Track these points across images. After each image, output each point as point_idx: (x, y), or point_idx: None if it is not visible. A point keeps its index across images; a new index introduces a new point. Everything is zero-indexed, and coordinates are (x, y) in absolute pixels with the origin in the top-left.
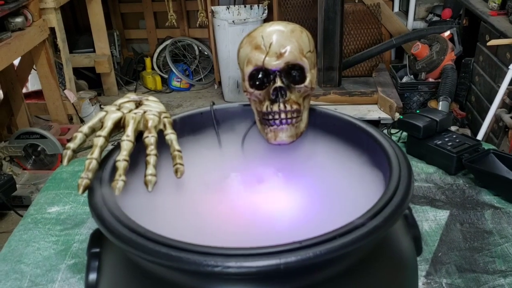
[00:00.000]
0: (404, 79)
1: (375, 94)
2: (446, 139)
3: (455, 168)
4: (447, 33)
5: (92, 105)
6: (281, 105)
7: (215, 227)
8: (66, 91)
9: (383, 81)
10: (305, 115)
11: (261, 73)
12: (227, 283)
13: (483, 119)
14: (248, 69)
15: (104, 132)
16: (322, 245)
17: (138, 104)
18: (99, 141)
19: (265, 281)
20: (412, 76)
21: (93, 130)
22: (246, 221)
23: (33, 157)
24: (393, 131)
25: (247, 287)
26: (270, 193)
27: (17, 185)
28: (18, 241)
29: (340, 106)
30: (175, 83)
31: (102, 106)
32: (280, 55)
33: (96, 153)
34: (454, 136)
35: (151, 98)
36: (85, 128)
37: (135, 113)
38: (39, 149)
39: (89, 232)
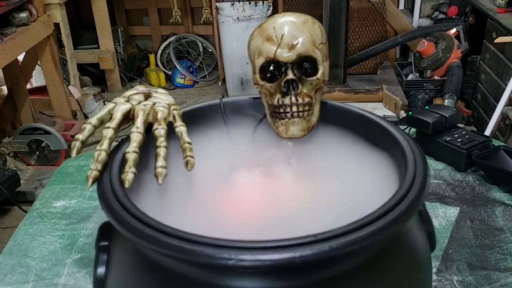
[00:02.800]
0: (410, 77)
1: (380, 91)
2: (456, 135)
3: (464, 165)
4: (453, 31)
5: (96, 101)
6: (293, 98)
7: (226, 220)
8: (70, 87)
9: (388, 78)
10: (316, 108)
11: (272, 65)
12: (240, 277)
13: (489, 117)
14: (259, 61)
15: (113, 123)
16: (337, 238)
17: (147, 96)
18: (108, 132)
19: (279, 275)
20: (417, 73)
21: (102, 122)
22: (258, 214)
23: (37, 152)
24: (401, 127)
25: (260, 280)
26: (281, 186)
27: (21, 181)
28: (23, 235)
29: (345, 103)
30: (179, 80)
31: (106, 102)
32: (292, 47)
33: (105, 144)
34: (464, 132)
35: (160, 90)
36: (94, 120)
37: (144, 105)
38: (43, 144)
39: (95, 226)
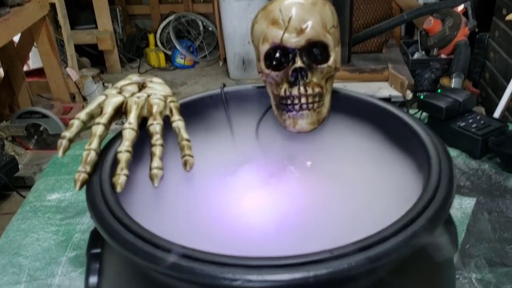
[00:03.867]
0: (416, 56)
1: (386, 71)
2: (470, 121)
3: (480, 152)
4: (460, 7)
5: (95, 83)
6: (301, 88)
7: (229, 228)
8: (68, 69)
9: (394, 57)
10: (327, 99)
11: (278, 51)
12: None
13: (498, 96)
14: (264, 48)
15: (103, 119)
16: (357, 254)
17: (141, 86)
18: (98, 129)
19: None
20: (423, 52)
21: (91, 117)
22: (264, 220)
23: (36, 136)
24: (411, 111)
25: None
26: (290, 189)
27: (19, 166)
28: (16, 231)
29: (349, 83)
30: (179, 60)
31: (105, 84)
32: (300, 31)
33: (94, 143)
34: (479, 117)
35: (155, 79)
36: (82, 115)
37: (138, 97)
38: (41, 128)
39: (91, 221)
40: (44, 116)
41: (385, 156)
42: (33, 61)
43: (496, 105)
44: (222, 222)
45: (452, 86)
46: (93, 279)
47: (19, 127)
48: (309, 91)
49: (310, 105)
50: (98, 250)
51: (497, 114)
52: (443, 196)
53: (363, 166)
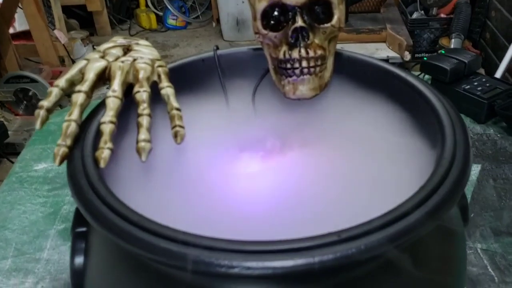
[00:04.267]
0: (414, 15)
1: (384, 31)
2: (475, 83)
3: (485, 116)
4: None
5: (85, 46)
6: (302, 51)
7: (224, 207)
8: (56, 31)
9: (392, 17)
10: (330, 62)
11: (277, 9)
12: (242, 285)
13: (498, 57)
14: (261, 5)
15: (84, 86)
16: (367, 236)
17: (127, 49)
18: (78, 98)
19: (291, 283)
20: (422, 11)
21: (72, 84)
22: (263, 198)
23: (25, 102)
24: (414, 73)
25: None
26: (290, 162)
27: (9, 132)
28: (1, 204)
29: (346, 44)
30: (170, 21)
31: (95, 46)
32: None
33: (75, 113)
34: (484, 79)
35: (142, 42)
36: (62, 81)
37: (122, 62)
38: (30, 93)
39: None
40: (33, 80)
41: (395, 125)
42: (19, 23)
43: (496, 66)
44: (217, 199)
45: (452, 46)
46: (79, 259)
47: (7, 92)
48: (311, 53)
49: (312, 69)
50: (83, 229)
51: (497, 75)
52: (459, 168)
53: (370, 136)
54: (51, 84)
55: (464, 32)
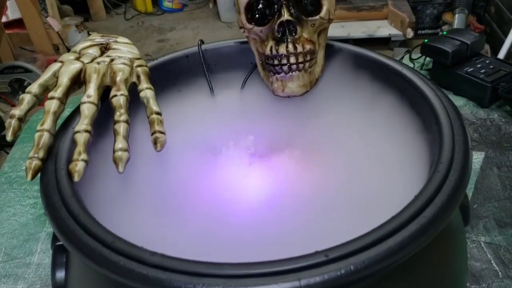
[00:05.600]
0: None
1: (385, 8)
2: (478, 66)
3: (489, 100)
4: None
5: (80, 32)
6: (290, 46)
7: (209, 220)
8: (49, 19)
9: None
10: (320, 56)
11: (262, 2)
12: None
13: (504, 32)
14: None
15: (58, 92)
16: (357, 255)
17: (105, 48)
18: (51, 105)
19: None
20: None
21: (45, 89)
22: (249, 206)
23: (20, 92)
24: (414, 56)
25: None
26: (280, 167)
27: (6, 124)
28: None
29: (347, 23)
30: (166, 4)
31: (90, 32)
32: None
33: (48, 122)
34: (488, 61)
35: (120, 39)
36: (34, 87)
37: (98, 63)
38: (25, 83)
39: None
40: (27, 70)
41: (390, 120)
42: (12, 11)
43: (501, 42)
44: (201, 209)
45: (455, 22)
46: (60, 274)
47: (2, 83)
48: (299, 48)
49: (301, 65)
50: None
51: (503, 52)
52: (458, 172)
53: (364, 135)
54: None
55: (468, 7)
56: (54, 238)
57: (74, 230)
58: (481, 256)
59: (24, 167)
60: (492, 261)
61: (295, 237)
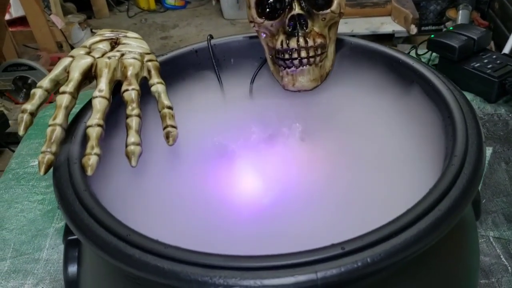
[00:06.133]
0: None
1: (389, 4)
2: (485, 61)
3: (496, 95)
4: None
5: (83, 30)
6: (301, 40)
7: (220, 213)
8: (52, 16)
9: None
10: (331, 50)
11: None
12: None
13: (508, 28)
14: None
15: (69, 87)
16: (373, 247)
17: (114, 43)
18: (63, 100)
19: None
20: None
21: (56, 84)
22: (260, 200)
23: (24, 90)
24: (420, 51)
25: None
26: (291, 162)
27: (10, 121)
28: None
29: (350, 19)
30: (169, 1)
31: (93, 30)
32: None
33: (60, 116)
34: (494, 56)
35: (130, 34)
36: (45, 82)
37: (109, 58)
38: (29, 81)
39: None
40: (31, 68)
41: (401, 116)
42: (15, 9)
43: (506, 38)
44: (213, 205)
45: (459, 18)
46: (72, 268)
47: (6, 80)
48: (310, 42)
49: (312, 59)
50: (76, 237)
51: (507, 48)
52: (471, 167)
53: (376, 131)
54: (50, 71)
55: (472, 3)
56: (66, 233)
57: (89, 224)
58: (490, 251)
59: (31, 164)
60: (501, 256)
61: (308, 231)
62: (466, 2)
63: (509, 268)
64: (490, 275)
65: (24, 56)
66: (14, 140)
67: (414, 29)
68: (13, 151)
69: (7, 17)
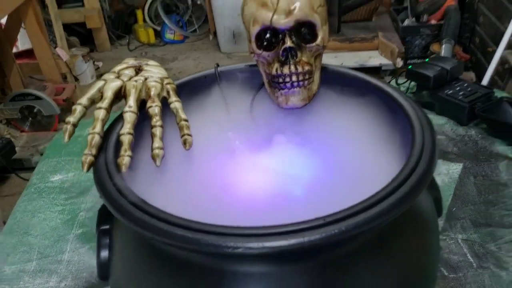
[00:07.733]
0: (406, 22)
1: (376, 39)
2: (457, 89)
3: (467, 119)
4: None
5: (85, 62)
6: (292, 67)
7: (228, 201)
8: (57, 49)
9: (384, 25)
10: (317, 76)
11: (269, 32)
12: (247, 262)
13: (488, 61)
14: (255, 29)
15: (104, 103)
16: (346, 220)
17: (138, 69)
18: (100, 113)
19: (286, 259)
20: (413, 19)
21: (92, 102)
22: (260, 192)
23: (30, 118)
24: (400, 81)
25: (266, 265)
26: (285, 160)
27: (16, 148)
28: (23, 212)
29: (340, 53)
30: (168, 36)
31: (95, 62)
32: (289, 13)
33: (98, 127)
34: (466, 85)
35: (151, 62)
36: (84, 100)
37: (136, 81)
38: (35, 110)
39: (94, 200)
40: (37, 97)
41: (372, 125)
42: (22, 42)
43: (485, 69)
44: (222, 194)
45: (442, 52)
46: (104, 253)
47: (13, 109)
48: (299, 69)
49: (301, 83)
50: (107, 226)
51: (486, 79)
52: (426, 162)
53: (354, 137)
54: (55, 101)
55: (454, 38)
56: (99, 223)
57: (127, 207)
58: (458, 251)
59: (51, 179)
60: (468, 255)
61: (298, 210)
62: (449, 37)
63: (474, 264)
64: (458, 270)
65: (30, 87)
66: (20, 166)
67: (400, 62)
68: (20, 177)
69: (14, 50)
